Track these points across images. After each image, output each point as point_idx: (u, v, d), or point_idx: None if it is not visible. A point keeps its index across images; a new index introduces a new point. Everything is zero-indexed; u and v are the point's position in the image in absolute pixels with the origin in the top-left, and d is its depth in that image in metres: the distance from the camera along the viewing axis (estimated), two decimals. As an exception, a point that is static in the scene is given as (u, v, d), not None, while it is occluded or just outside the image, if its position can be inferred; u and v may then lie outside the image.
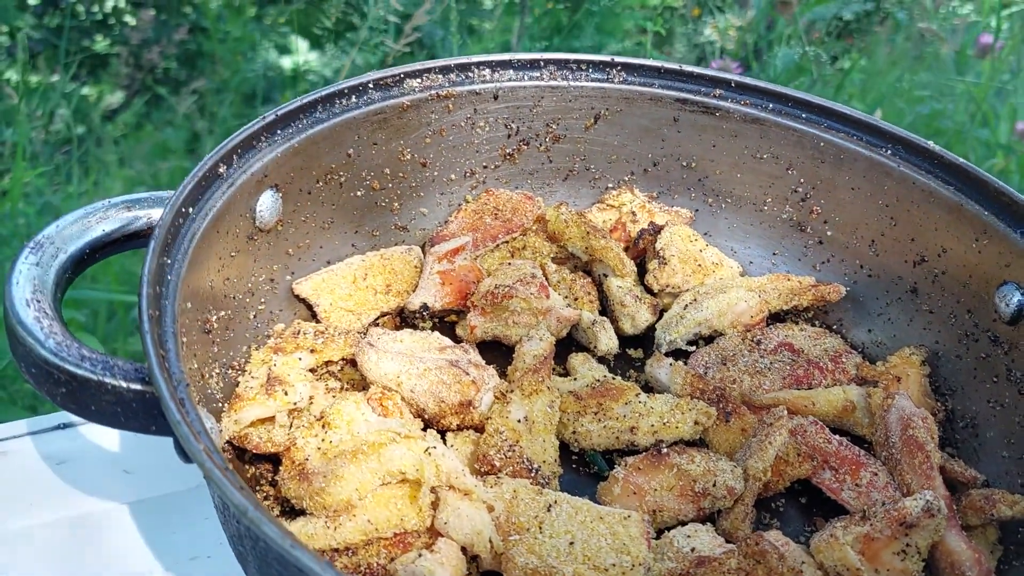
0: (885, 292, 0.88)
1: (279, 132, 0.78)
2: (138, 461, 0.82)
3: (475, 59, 0.91)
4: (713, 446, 0.75)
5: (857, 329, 0.89)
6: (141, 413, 0.57)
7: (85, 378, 0.56)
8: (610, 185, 0.99)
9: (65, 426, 0.83)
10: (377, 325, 0.86)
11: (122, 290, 2.37)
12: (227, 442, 0.68)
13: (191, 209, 0.67)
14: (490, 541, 0.63)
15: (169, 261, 0.62)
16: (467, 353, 0.76)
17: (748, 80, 0.91)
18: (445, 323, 0.88)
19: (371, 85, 0.85)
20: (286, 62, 5.48)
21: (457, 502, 0.64)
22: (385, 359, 0.74)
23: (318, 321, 0.83)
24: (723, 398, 0.76)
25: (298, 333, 0.77)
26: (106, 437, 0.83)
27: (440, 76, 0.89)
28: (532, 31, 4.51)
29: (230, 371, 0.72)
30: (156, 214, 0.71)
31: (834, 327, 0.90)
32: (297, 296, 0.83)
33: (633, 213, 0.93)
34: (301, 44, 5.60)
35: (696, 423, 0.74)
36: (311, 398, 0.72)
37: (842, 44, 2.88)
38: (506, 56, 0.91)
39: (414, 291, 0.87)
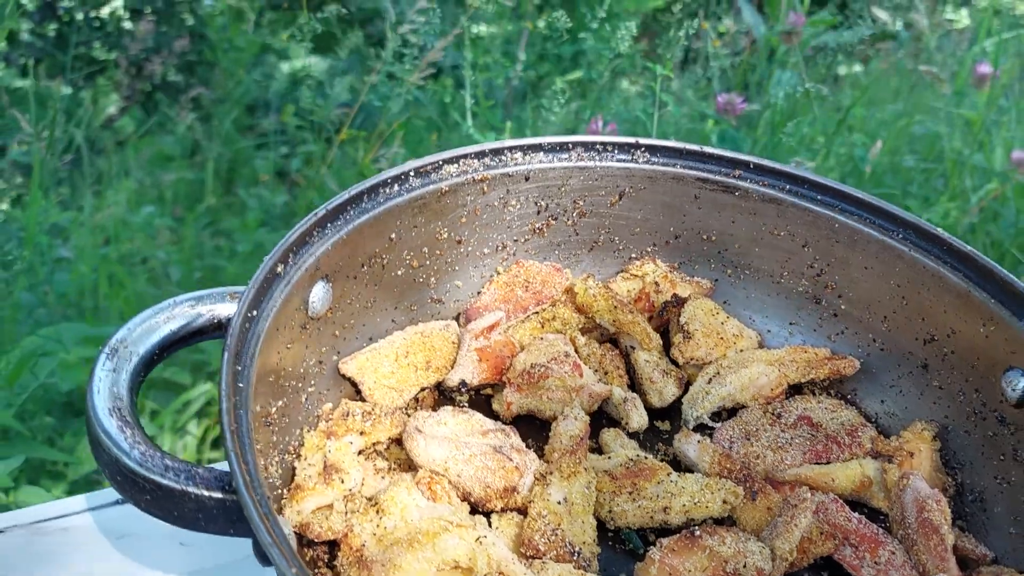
0: (897, 366, 0.93)
1: (329, 225, 0.82)
2: (192, 535, 0.87)
3: (508, 144, 0.95)
4: (741, 523, 0.80)
5: (870, 399, 0.95)
6: (221, 519, 0.62)
7: (170, 488, 0.61)
8: (633, 255, 1.04)
9: (123, 501, 0.87)
10: (417, 400, 0.90)
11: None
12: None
13: (255, 312, 0.71)
14: None
15: (240, 368, 0.67)
16: (509, 437, 0.81)
17: (766, 162, 0.96)
18: (481, 395, 0.93)
19: (412, 173, 0.90)
20: (285, 67, 5.50)
21: None
22: (432, 445, 0.78)
23: (362, 398, 0.87)
24: (749, 477, 0.81)
25: (347, 415, 0.81)
26: (162, 510, 0.87)
27: (475, 161, 0.94)
28: (533, 38, 4.54)
29: (287, 456, 0.76)
30: (219, 309, 0.75)
31: (848, 396, 0.95)
32: (343, 375, 0.87)
33: (656, 283, 0.98)
34: (301, 51, 5.61)
35: (725, 502, 0.79)
36: (363, 481, 0.77)
37: (836, 59, 2.93)
38: (537, 140, 0.96)
39: (452, 367, 0.91)
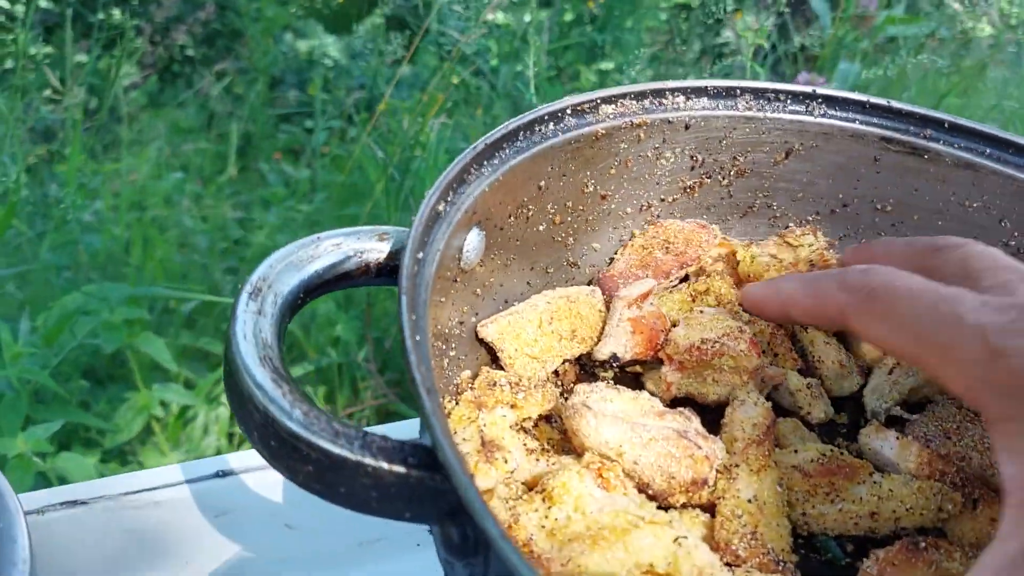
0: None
1: (485, 164, 0.70)
2: (298, 516, 0.75)
3: (670, 85, 0.83)
4: (953, 535, 0.68)
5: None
6: (398, 498, 0.50)
7: (342, 458, 0.48)
8: (791, 224, 0.92)
9: (224, 474, 0.75)
10: (557, 374, 0.78)
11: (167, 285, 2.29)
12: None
13: (422, 254, 0.59)
14: None
15: (415, 318, 0.54)
16: (690, 421, 0.69)
17: (964, 121, 0.84)
18: (627, 373, 0.81)
19: (568, 111, 0.78)
20: (302, 45, 5.39)
21: None
22: (605, 424, 0.66)
23: (499, 366, 0.75)
24: (967, 482, 0.69)
25: (493, 385, 0.69)
26: (268, 488, 0.75)
27: (634, 102, 0.82)
28: (555, 24, 4.41)
29: (434, 430, 0.64)
30: (369, 251, 0.63)
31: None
32: (480, 340, 0.75)
33: (811, 262, 0.86)
34: (316, 27, 5.51)
35: (941, 510, 0.67)
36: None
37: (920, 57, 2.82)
38: (702, 83, 0.84)
39: (599, 337, 0.79)
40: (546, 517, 0.60)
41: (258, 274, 0.57)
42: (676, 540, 0.59)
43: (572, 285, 0.86)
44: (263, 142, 3.87)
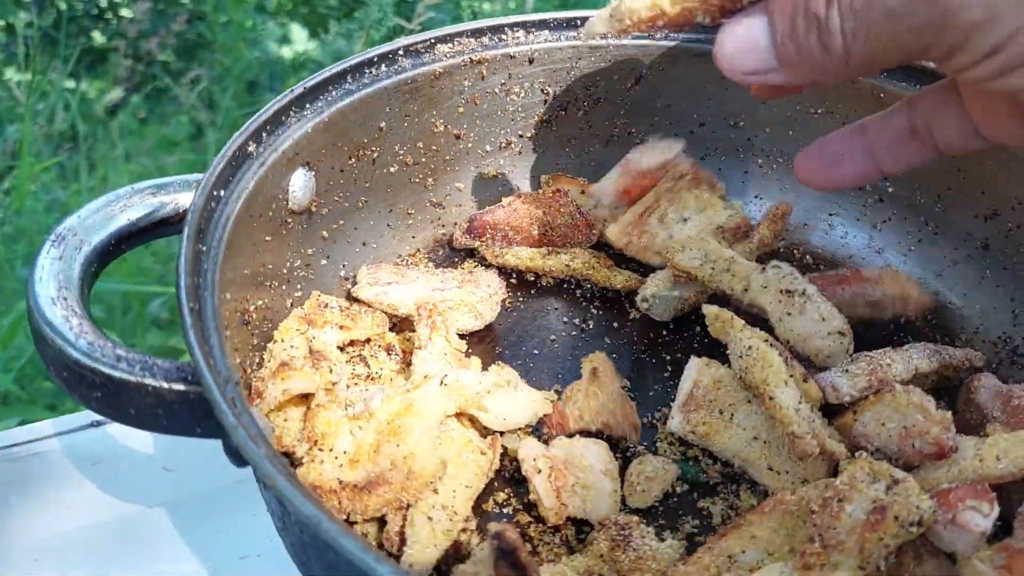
0: (953, 249, 0.83)
1: (308, 106, 0.73)
2: (177, 458, 0.78)
3: (509, 20, 0.85)
4: None
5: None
6: (185, 415, 0.53)
7: (123, 380, 0.52)
8: (653, 149, 0.93)
9: (97, 424, 0.79)
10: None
11: (137, 282, 2.33)
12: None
13: (222, 192, 0.62)
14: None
15: (204, 248, 0.57)
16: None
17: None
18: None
19: (401, 52, 0.80)
20: (286, 51, 5.42)
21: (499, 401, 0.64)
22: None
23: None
24: None
25: (324, 306, 0.72)
26: (141, 434, 0.79)
27: (472, 40, 0.84)
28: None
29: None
30: (184, 199, 0.66)
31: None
32: (355, 299, 0.77)
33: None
34: (300, 33, 5.53)
35: None
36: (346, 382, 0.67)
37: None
38: (542, 16, 0.86)
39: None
40: (335, 456, 0.59)
41: (65, 224, 0.60)
42: (442, 382, 0.62)
43: (439, 226, 0.89)
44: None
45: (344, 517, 0.57)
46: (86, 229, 0.61)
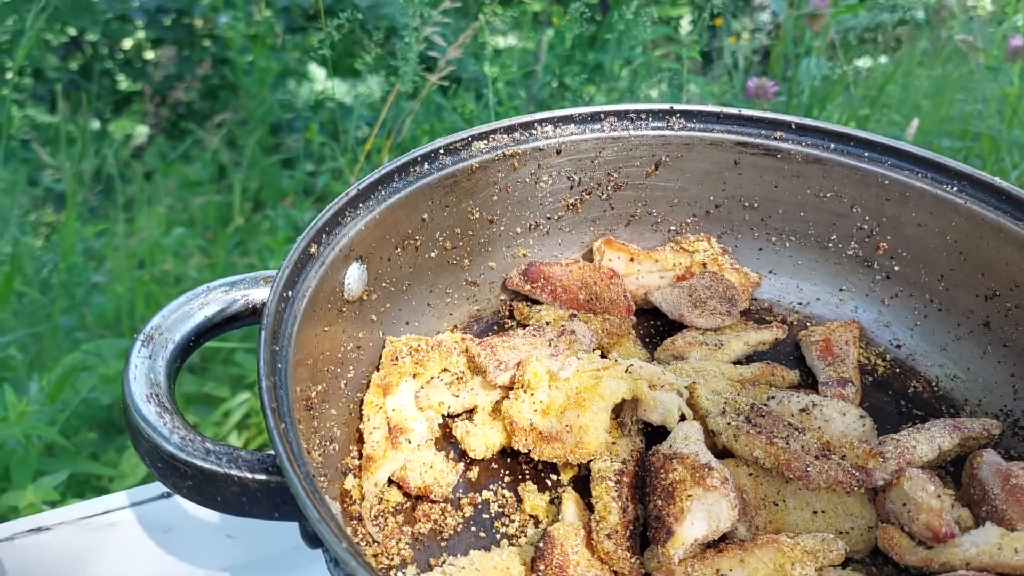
0: (956, 326, 0.89)
1: (361, 206, 0.80)
2: (239, 526, 0.85)
3: (537, 116, 0.93)
4: None
5: (929, 362, 0.90)
6: (265, 502, 0.60)
7: (211, 471, 0.59)
8: (672, 228, 1.00)
9: (167, 495, 0.85)
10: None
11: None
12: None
13: (290, 292, 0.69)
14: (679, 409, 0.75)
15: (278, 348, 0.64)
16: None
17: (808, 121, 0.93)
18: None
19: (442, 151, 0.87)
20: (305, 91, 5.53)
21: (654, 394, 0.76)
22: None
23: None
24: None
25: (396, 359, 0.80)
26: (205, 506, 0.85)
27: (505, 136, 0.91)
28: (554, 46, 4.53)
29: (329, 444, 0.74)
30: (253, 294, 0.73)
31: (906, 361, 0.91)
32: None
33: (704, 265, 0.95)
34: (319, 73, 5.65)
35: None
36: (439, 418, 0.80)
37: (865, 48, 2.88)
38: (567, 112, 0.93)
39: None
40: (533, 402, 0.76)
41: (151, 324, 0.68)
42: (627, 370, 0.75)
43: (474, 302, 0.96)
44: (268, 188, 4.01)
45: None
46: (169, 327, 0.68)
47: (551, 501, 0.75)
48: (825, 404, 0.75)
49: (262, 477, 0.59)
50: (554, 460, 0.75)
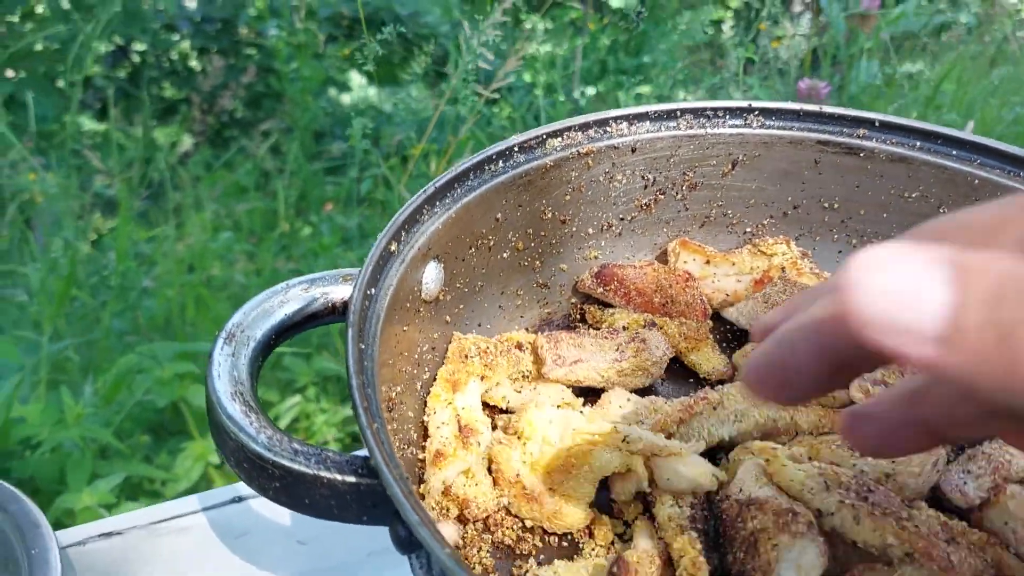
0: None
1: (438, 204, 0.79)
2: (311, 532, 0.84)
3: (612, 114, 0.91)
4: None
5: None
6: (355, 505, 0.58)
7: (300, 472, 0.57)
8: (748, 229, 0.98)
9: (239, 499, 0.84)
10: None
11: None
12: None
13: (372, 290, 0.68)
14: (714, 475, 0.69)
15: (364, 347, 0.63)
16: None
17: (893, 119, 0.90)
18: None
19: (516, 149, 0.86)
20: (345, 98, 5.57)
21: (668, 463, 0.69)
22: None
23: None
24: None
25: (465, 357, 0.79)
26: (278, 509, 0.84)
27: (579, 133, 0.90)
28: (589, 51, 4.51)
29: (407, 447, 0.73)
30: (334, 292, 0.72)
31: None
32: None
33: (783, 269, 0.92)
34: (359, 79, 5.69)
35: None
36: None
37: (916, 52, 2.83)
38: (643, 108, 0.91)
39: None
40: (524, 453, 0.71)
41: (232, 321, 0.67)
42: (624, 440, 0.69)
43: (545, 305, 0.94)
44: (312, 194, 4.04)
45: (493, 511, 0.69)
46: (250, 325, 0.67)
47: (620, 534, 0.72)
48: (899, 471, 0.67)
49: (352, 479, 0.57)
50: (530, 521, 0.70)
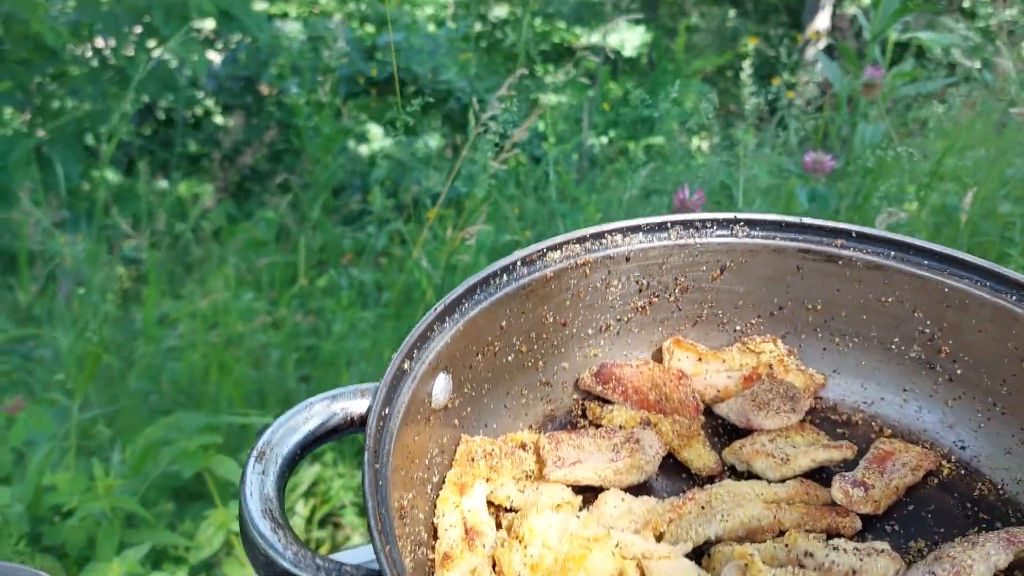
0: (1021, 429, 0.91)
1: (447, 319, 0.86)
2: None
3: (607, 227, 0.98)
4: None
5: (994, 465, 0.92)
6: (369, 615, 0.65)
7: (322, 586, 0.64)
8: (738, 328, 1.05)
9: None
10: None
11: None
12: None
13: (387, 410, 0.75)
14: None
15: (378, 467, 0.70)
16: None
17: (869, 230, 0.97)
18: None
19: (519, 263, 0.93)
20: (363, 149, 5.69)
21: (658, 565, 0.75)
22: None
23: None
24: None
25: (472, 460, 0.85)
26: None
27: (577, 246, 0.97)
28: (599, 103, 4.60)
29: (418, 548, 0.79)
30: (352, 406, 0.79)
31: (971, 463, 0.93)
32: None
33: (770, 366, 0.99)
34: (376, 131, 5.81)
35: None
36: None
37: (919, 109, 2.90)
38: (635, 222, 0.99)
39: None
40: (525, 555, 0.77)
41: (263, 440, 0.74)
42: (617, 545, 0.76)
43: (548, 402, 1.01)
44: (330, 248, 4.15)
45: None
46: (278, 442, 0.74)
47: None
48: (864, 570, 0.74)
49: (367, 592, 0.64)
50: None
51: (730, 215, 1.00)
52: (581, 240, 0.97)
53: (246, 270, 3.85)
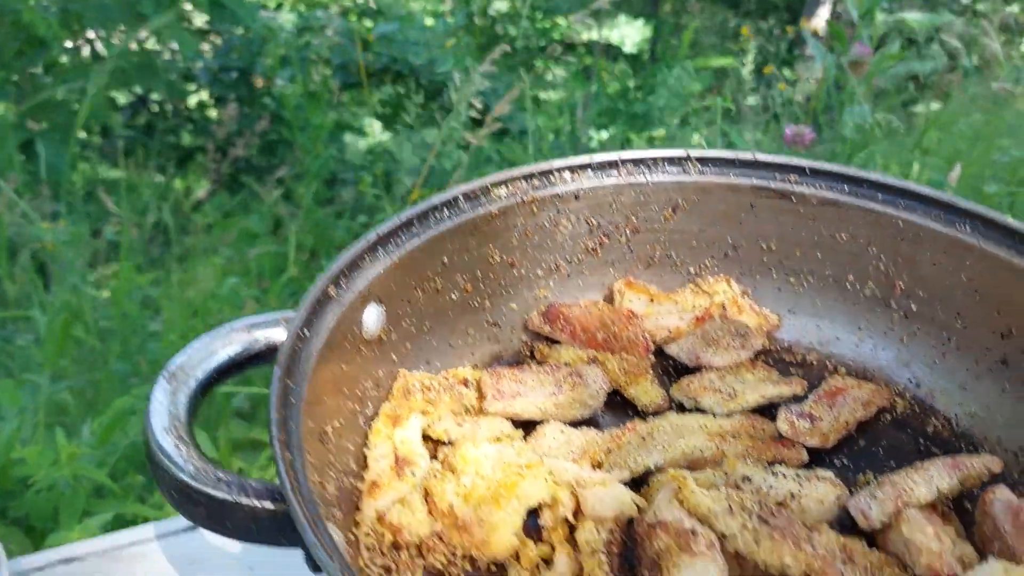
0: (975, 363, 0.89)
1: (380, 250, 0.84)
2: (259, 558, 0.88)
3: (556, 164, 0.96)
4: None
5: (948, 400, 0.90)
6: (272, 528, 0.62)
7: (221, 499, 0.61)
8: (692, 269, 1.02)
9: (192, 528, 0.89)
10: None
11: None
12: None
13: (307, 331, 0.73)
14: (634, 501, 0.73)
15: (292, 384, 0.68)
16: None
17: (822, 165, 0.94)
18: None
19: (461, 198, 0.91)
20: (361, 144, 5.68)
21: (593, 492, 0.73)
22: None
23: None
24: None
25: (408, 393, 0.83)
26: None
27: (524, 183, 0.94)
28: (599, 99, 4.58)
29: (345, 477, 0.77)
30: (274, 334, 0.77)
31: (925, 399, 0.91)
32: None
33: (723, 307, 0.96)
34: (375, 125, 5.80)
35: None
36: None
37: (911, 94, 2.87)
38: (585, 159, 0.96)
39: None
40: (458, 485, 0.74)
41: (175, 362, 0.72)
42: (549, 472, 0.74)
43: (496, 342, 0.98)
44: (322, 239, 4.13)
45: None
46: (193, 366, 0.72)
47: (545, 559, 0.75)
48: (804, 495, 0.71)
49: (269, 505, 0.61)
50: (460, 551, 0.72)
51: (681, 152, 0.97)
52: (528, 177, 0.95)
53: (237, 261, 3.83)
